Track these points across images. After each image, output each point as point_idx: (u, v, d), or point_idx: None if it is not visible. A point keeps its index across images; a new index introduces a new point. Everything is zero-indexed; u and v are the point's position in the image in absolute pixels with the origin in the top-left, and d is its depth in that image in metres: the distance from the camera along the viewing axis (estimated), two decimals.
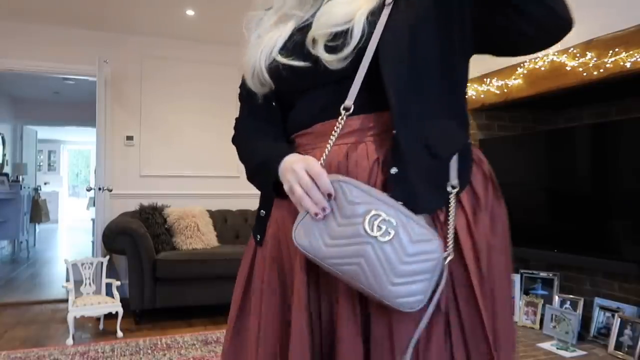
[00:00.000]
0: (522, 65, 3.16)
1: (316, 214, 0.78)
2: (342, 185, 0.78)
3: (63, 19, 4.28)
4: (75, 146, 14.74)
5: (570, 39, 2.91)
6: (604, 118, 3.23)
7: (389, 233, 0.75)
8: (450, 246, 0.80)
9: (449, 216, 0.81)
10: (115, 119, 4.59)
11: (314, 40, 0.84)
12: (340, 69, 0.83)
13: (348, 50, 0.82)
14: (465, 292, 0.81)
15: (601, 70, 2.63)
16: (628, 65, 2.49)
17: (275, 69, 0.89)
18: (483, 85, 3.48)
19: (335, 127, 0.82)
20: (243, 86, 1.01)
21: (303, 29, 0.88)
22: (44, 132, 10.84)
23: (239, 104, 1.09)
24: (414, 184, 0.79)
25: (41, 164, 13.21)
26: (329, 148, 0.82)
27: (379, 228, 0.75)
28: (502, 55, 0.92)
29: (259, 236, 1.00)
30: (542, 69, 3.00)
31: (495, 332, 0.82)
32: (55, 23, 4.37)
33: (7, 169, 7.75)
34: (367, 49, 0.81)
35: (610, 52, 2.59)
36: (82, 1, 3.91)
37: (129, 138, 4.65)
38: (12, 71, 4.47)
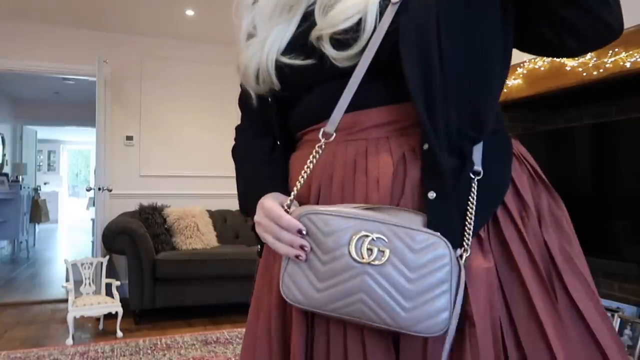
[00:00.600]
0: (521, 65, 3.15)
1: (297, 256, 0.68)
2: (311, 218, 0.67)
3: (63, 19, 4.28)
4: (75, 146, 14.75)
5: None
6: (604, 118, 3.23)
7: (383, 252, 0.63)
8: (468, 240, 0.66)
9: (468, 209, 0.68)
10: (115, 119, 4.59)
11: (318, 37, 0.74)
12: (349, 66, 0.72)
13: (360, 46, 0.71)
14: (524, 307, 0.68)
15: (601, 70, 2.63)
16: (628, 65, 2.49)
17: (279, 69, 0.79)
18: None
19: (312, 154, 0.74)
20: (243, 90, 0.93)
21: (306, 20, 0.78)
22: (44, 132, 10.85)
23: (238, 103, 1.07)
24: (452, 206, 0.68)
25: (41, 164, 13.21)
26: (315, 155, 0.74)
27: (370, 251, 0.64)
28: (526, 52, 0.82)
29: (259, 247, 0.91)
30: (542, 69, 3.00)
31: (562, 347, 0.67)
32: (55, 23, 4.37)
33: (6, 169, 7.75)
34: (374, 34, 0.69)
35: (610, 52, 2.59)
36: (82, 1, 3.91)
37: (129, 138, 4.65)
38: (12, 71, 4.47)
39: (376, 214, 0.66)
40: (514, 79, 3.20)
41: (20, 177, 7.93)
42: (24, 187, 7.57)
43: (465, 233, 0.67)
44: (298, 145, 0.87)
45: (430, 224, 0.65)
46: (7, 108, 7.89)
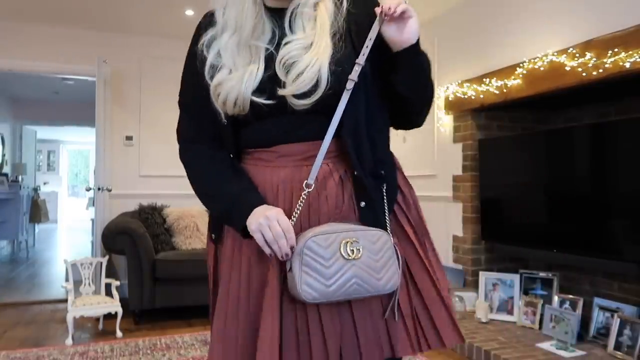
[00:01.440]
0: (521, 65, 3.16)
1: (282, 257, 1.00)
2: (315, 240, 0.99)
3: (62, 19, 4.28)
4: (75, 146, 14.74)
5: (570, 39, 2.92)
6: (604, 118, 3.23)
7: (359, 250, 1.01)
8: (389, 228, 1.10)
9: (385, 209, 1.11)
10: (114, 118, 4.59)
11: (282, 85, 1.06)
12: (303, 109, 1.06)
13: (315, 98, 1.05)
14: (415, 260, 1.15)
15: (600, 71, 2.63)
16: (627, 65, 2.49)
17: (251, 102, 1.08)
18: (482, 85, 3.48)
19: (299, 200, 1.05)
20: (193, 99, 1.20)
21: (268, 67, 1.08)
22: (44, 132, 10.84)
23: None
24: (377, 210, 1.09)
25: (40, 163, 13.21)
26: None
27: (352, 251, 1.00)
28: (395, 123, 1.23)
29: (213, 235, 1.22)
30: (542, 69, 3.01)
31: (436, 275, 1.16)
32: (54, 23, 4.37)
33: (6, 169, 7.75)
34: (334, 118, 1.06)
35: (610, 52, 2.59)
36: (82, 1, 3.91)
37: (129, 138, 4.65)
38: (12, 71, 4.47)
39: (344, 225, 1.03)
40: (514, 79, 3.21)
41: (20, 177, 7.92)
42: (24, 187, 7.57)
43: (387, 224, 1.09)
44: (248, 158, 1.16)
45: (364, 223, 1.07)
46: (7, 108, 7.89)
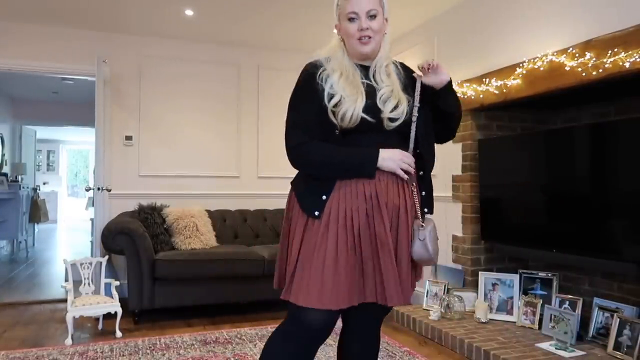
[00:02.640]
0: (521, 65, 3.16)
1: (407, 172, 1.64)
2: (434, 226, 1.68)
3: (62, 19, 4.28)
4: (74, 146, 14.73)
5: (569, 39, 2.92)
6: (603, 118, 3.23)
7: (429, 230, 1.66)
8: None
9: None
10: (114, 118, 4.59)
11: (382, 112, 1.62)
12: (391, 128, 1.64)
13: (400, 122, 1.64)
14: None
15: (600, 71, 2.63)
16: (627, 65, 2.49)
17: (362, 119, 1.60)
18: (482, 85, 3.48)
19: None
20: (307, 118, 1.62)
21: (370, 97, 1.62)
22: (43, 132, 10.84)
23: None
24: (431, 199, 1.77)
25: (40, 163, 13.20)
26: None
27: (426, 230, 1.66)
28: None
29: (317, 212, 1.60)
30: (541, 69, 3.00)
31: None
32: (54, 23, 4.37)
33: (6, 169, 7.74)
34: (411, 131, 1.68)
35: (609, 52, 2.59)
36: (82, 1, 3.90)
37: (128, 138, 4.65)
38: (11, 71, 4.46)
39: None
40: (514, 79, 3.21)
41: (20, 177, 7.92)
42: (23, 187, 7.57)
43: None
44: None
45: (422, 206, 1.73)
46: (7, 108, 7.89)
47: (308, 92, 1.63)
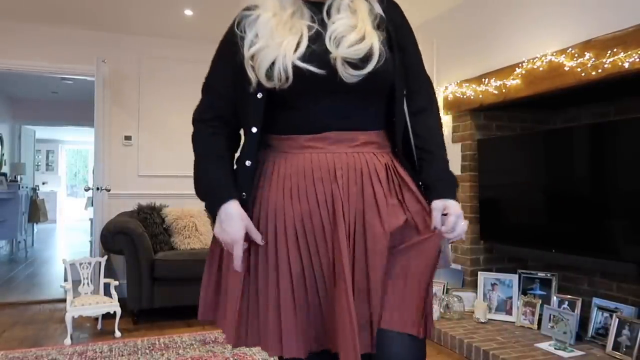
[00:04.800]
0: (520, 65, 3.16)
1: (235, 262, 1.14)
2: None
3: (61, 19, 4.28)
4: (74, 146, 14.72)
5: (569, 39, 2.92)
6: (603, 118, 3.23)
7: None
8: None
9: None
10: (113, 118, 4.59)
11: (335, 58, 1.08)
12: (353, 83, 1.09)
13: (367, 70, 1.09)
14: None
15: (599, 71, 2.63)
16: (626, 65, 2.49)
17: (296, 69, 1.07)
18: (481, 85, 3.48)
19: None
20: (215, 79, 1.23)
21: (316, 41, 1.10)
22: (42, 132, 10.83)
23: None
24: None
25: (39, 163, 13.18)
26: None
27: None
28: None
29: (244, 193, 1.17)
30: (541, 69, 3.01)
31: None
32: (53, 23, 4.37)
33: (5, 169, 7.74)
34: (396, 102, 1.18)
35: (609, 52, 2.59)
36: (81, 1, 3.90)
37: (127, 138, 4.65)
38: (11, 71, 4.46)
39: None
40: (513, 79, 3.21)
41: (19, 176, 7.91)
42: (23, 187, 7.56)
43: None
44: (289, 145, 1.16)
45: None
46: (6, 108, 7.88)
47: (225, 46, 1.21)
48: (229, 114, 1.21)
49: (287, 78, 1.07)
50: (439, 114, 1.30)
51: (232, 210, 1.12)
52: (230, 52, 1.17)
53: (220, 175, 1.17)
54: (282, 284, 1.11)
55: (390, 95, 1.18)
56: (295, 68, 1.07)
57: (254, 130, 1.14)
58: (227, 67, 1.19)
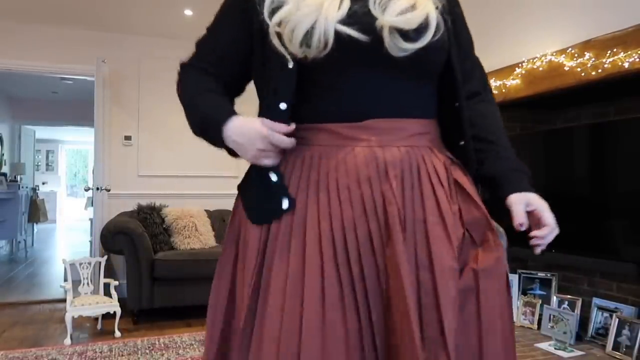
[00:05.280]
0: (520, 65, 3.16)
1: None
2: None
3: (61, 19, 4.28)
4: (74, 146, 14.72)
5: (569, 39, 2.92)
6: (603, 118, 3.23)
7: None
8: None
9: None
10: (113, 118, 4.59)
11: (382, 25, 0.86)
12: (401, 57, 0.87)
13: (422, 43, 0.86)
14: None
15: (599, 71, 2.63)
16: (626, 65, 2.49)
17: (337, 34, 0.85)
18: None
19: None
20: (220, 44, 1.03)
21: (357, 1, 0.89)
22: (42, 132, 10.83)
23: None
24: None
25: (39, 163, 13.18)
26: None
27: None
28: None
29: (287, 203, 0.90)
30: (540, 69, 3.00)
31: None
32: (53, 23, 4.36)
33: (5, 169, 7.74)
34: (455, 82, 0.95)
35: (609, 52, 2.59)
36: (81, 1, 3.90)
37: (127, 138, 4.65)
38: (11, 71, 4.46)
39: None
40: (513, 79, 3.21)
41: (19, 176, 7.91)
42: (22, 187, 7.56)
43: None
44: (322, 137, 0.92)
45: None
46: (6, 108, 7.88)
47: (231, 13, 1.02)
48: (228, 76, 1.03)
49: (325, 45, 0.85)
50: (494, 99, 1.09)
51: (241, 118, 0.94)
52: (239, 19, 0.97)
53: (218, 99, 0.99)
54: (309, 324, 0.80)
55: (444, 75, 0.96)
56: (336, 33, 0.85)
57: (283, 106, 0.90)
58: (232, 32, 1.00)
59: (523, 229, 0.93)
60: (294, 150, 0.92)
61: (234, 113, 0.95)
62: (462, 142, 0.97)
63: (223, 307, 0.98)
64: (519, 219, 0.92)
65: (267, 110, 0.93)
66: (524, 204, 0.94)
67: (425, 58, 0.89)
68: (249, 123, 0.91)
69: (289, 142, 0.90)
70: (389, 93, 0.90)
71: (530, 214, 0.94)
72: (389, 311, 0.82)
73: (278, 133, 0.89)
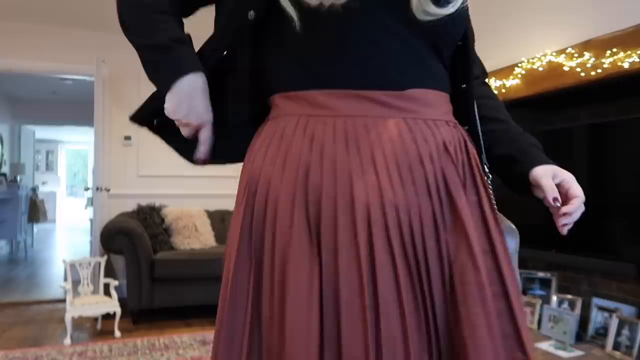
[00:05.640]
0: (520, 65, 3.16)
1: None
2: None
3: (61, 19, 4.28)
4: (73, 146, 14.73)
5: (568, 39, 2.92)
6: (602, 118, 3.23)
7: None
8: None
9: None
10: (113, 118, 4.59)
11: None
12: (424, 22, 0.75)
13: (449, 10, 0.75)
14: None
15: (599, 71, 2.63)
16: (626, 65, 2.49)
17: None
18: None
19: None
20: None
21: None
22: (42, 132, 10.83)
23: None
24: None
25: (39, 163, 13.19)
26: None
27: None
28: None
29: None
30: (540, 69, 3.01)
31: None
32: (53, 23, 4.36)
33: (4, 169, 7.74)
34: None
35: (608, 52, 2.59)
36: (81, 1, 3.90)
37: (127, 138, 4.65)
38: (10, 71, 4.46)
39: None
40: (512, 79, 3.21)
41: (18, 177, 7.92)
42: (22, 187, 7.55)
43: None
44: (350, 104, 0.75)
45: None
46: (5, 108, 7.88)
47: None
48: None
49: None
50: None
51: (200, 83, 0.85)
52: None
53: (177, 30, 0.90)
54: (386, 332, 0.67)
55: (456, 52, 0.86)
56: None
57: (251, 15, 0.79)
58: None
59: (559, 204, 0.82)
60: (306, 121, 0.76)
61: (200, 68, 0.86)
62: (467, 127, 0.87)
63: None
64: (552, 192, 0.83)
65: (228, 20, 0.84)
66: (551, 176, 0.86)
67: (449, 27, 0.80)
68: (205, 95, 0.85)
69: (204, 153, 0.90)
70: (418, 61, 0.78)
71: (557, 187, 0.84)
72: (455, 305, 0.71)
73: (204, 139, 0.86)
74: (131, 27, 0.88)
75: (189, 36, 0.93)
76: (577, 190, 0.85)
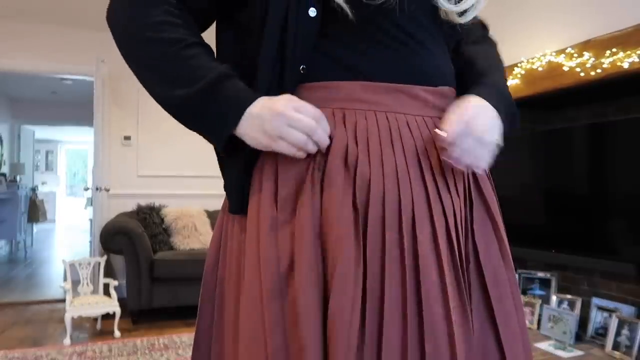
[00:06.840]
0: (519, 65, 3.16)
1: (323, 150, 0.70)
2: None
3: (61, 19, 4.27)
4: (73, 146, 14.72)
5: (568, 39, 2.92)
6: (602, 118, 3.23)
7: None
8: None
9: None
10: (112, 118, 4.59)
11: None
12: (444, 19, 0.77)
13: (465, 5, 0.76)
14: None
15: (598, 71, 2.63)
16: (625, 65, 2.49)
17: None
18: None
19: None
20: None
21: None
22: (42, 132, 10.83)
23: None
24: None
25: (39, 163, 13.18)
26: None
27: None
28: None
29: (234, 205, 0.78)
30: (540, 69, 3.01)
31: None
32: (52, 23, 4.36)
33: (4, 169, 7.74)
34: None
35: (608, 52, 2.59)
36: (81, 1, 3.90)
37: (127, 138, 4.65)
38: (10, 71, 4.46)
39: None
40: (512, 79, 3.21)
41: (18, 176, 7.92)
42: (22, 187, 7.56)
43: None
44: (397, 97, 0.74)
45: None
46: (5, 108, 7.88)
47: None
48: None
49: None
50: (494, 42, 1.01)
51: (274, 98, 0.70)
52: None
53: (214, 64, 0.74)
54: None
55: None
56: None
57: (312, 13, 0.69)
58: None
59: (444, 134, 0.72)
60: (342, 114, 0.71)
61: (253, 95, 0.71)
62: None
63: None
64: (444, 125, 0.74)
65: (290, 23, 0.68)
66: (463, 110, 0.76)
67: (462, 22, 0.80)
68: (274, 103, 0.70)
69: (325, 140, 0.70)
70: (444, 56, 0.81)
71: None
72: (488, 303, 0.75)
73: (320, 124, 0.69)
74: (155, 74, 0.75)
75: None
76: (449, 123, 0.73)
